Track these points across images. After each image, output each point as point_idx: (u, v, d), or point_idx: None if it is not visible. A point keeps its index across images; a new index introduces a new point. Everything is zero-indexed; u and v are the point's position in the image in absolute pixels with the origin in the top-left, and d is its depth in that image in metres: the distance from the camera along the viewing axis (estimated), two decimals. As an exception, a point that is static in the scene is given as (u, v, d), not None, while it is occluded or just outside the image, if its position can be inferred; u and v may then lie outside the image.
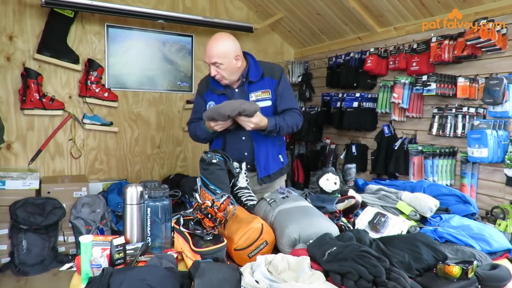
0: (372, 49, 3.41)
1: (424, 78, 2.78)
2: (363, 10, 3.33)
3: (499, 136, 2.39)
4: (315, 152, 4.23)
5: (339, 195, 1.63)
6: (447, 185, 2.73)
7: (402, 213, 1.55)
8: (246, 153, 2.03)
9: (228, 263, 1.15)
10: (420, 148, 2.89)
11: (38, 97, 3.39)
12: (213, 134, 1.99)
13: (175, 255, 1.20)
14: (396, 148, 3.13)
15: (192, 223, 1.24)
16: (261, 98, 2.01)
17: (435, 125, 2.83)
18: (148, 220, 1.30)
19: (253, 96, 2.01)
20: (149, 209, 1.30)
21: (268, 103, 2.02)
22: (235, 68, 1.95)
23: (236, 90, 2.03)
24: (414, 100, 3.03)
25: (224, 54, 1.90)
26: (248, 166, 1.91)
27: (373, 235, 1.33)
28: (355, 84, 3.62)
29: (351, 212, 1.51)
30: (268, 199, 1.43)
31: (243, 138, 2.01)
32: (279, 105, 2.04)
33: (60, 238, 3.24)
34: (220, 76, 1.95)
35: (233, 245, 1.21)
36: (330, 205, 1.44)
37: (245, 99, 1.99)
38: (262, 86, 2.02)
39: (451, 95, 2.70)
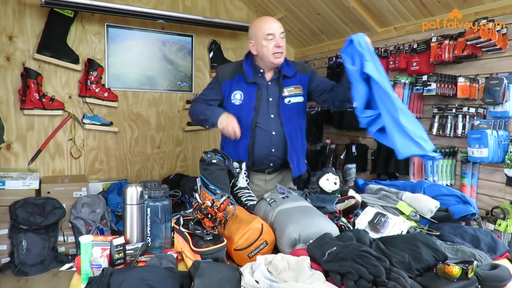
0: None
1: (424, 78, 2.77)
2: (363, 10, 3.32)
3: (499, 136, 2.39)
4: (315, 152, 4.23)
5: (339, 195, 1.63)
6: (447, 185, 2.73)
7: (402, 213, 1.55)
8: (273, 150, 2.00)
9: (228, 263, 1.15)
10: (420, 148, 2.89)
11: (38, 97, 3.39)
12: (211, 127, 1.98)
13: (175, 255, 1.21)
14: (396, 148, 3.13)
15: (192, 223, 1.24)
16: (294, 93, 2.03)
17: (435, 125, 2.83)
18: (148, 220, 1.30)
19: (285, 92, 2.01)
20: (149, 209, 1.30)
21: (300, 99, 2.05)
22: None
23: (269, 82, 2.02)
24: (414, 100, 3.03)
25: None
26: (271, 167, 1.99)
27: (373, 235, 1.33)
28: (355, 84, 3.62)
29: (351, 212, 1.51)
30: (268, 199, 1.43)
31: (273, 133, 1.99)
32: (324, 84, 2.08)
33: (60, 238, 3.24)
34: (283, 49, 1.94)
35: (233, 245, 1.21)
36: (330, 205, 1.44)
37: (278, 93, 2.00)
38: (295, 82, 2.04)
39: (451, 95, 2.69)
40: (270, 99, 2.00)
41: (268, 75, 2.02)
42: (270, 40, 1.90)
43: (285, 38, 1.97)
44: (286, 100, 2.01)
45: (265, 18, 2.00)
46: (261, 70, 2.01)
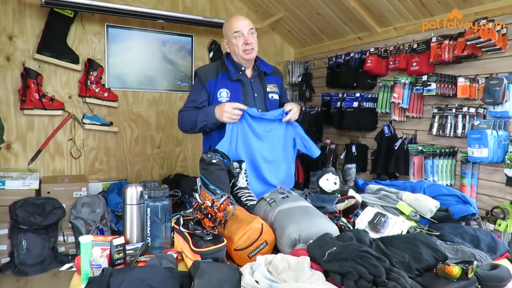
0: (372, 49, 3.40)
1: (424, 78, 2.78)
2: (363, 10, 3.33)
3: (499, 136, 2.39)
4: (315, 152, 4.22)
5: (339, 195, 1.63)
6: (447, 185, 2.73)
7: (402, 213, 1.55)
8: None
9: (228, 263, 1.15)
10: (420, 148, 2.89)
11: (38, 97, 3.39)
12: (215, 124, 1.93)
13: (175, 255, 1.20)
14: (396, 148, 3.13)
15: (192, 223, 1.24)
16: (273, 91, 2.13)
17: (435, 125, 2.83)
18: (148, 220, 1.30)
19: (267, 88, 2.10)
20: (149, 209, 1.30)
21: (277, 97, 2.14)
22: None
23: (252, 79, 2.08)
24: (414, 100, 3.03)
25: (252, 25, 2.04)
26: None
27: (373, 235, 1.33)
28: (355, 84, 3.62)
29: (351, 212, 1.51)
30: (268, 199, 1.43)
31: None
32: (282, 96, 2.19)
33: (60, 238, 3.24)
34: (253, 45, 2.00)
35: (233, 245, 1.21)
36: (330, 205, 1.43)
37: (262, 88, 2.08)
38: (273, 80, 2.16)
39: (451, 95, 2.69)
40: (256, 94, 2.07)
41: (249, 72, 2.10)
42: (238, 37, 1.99)
43: (255, 34, 2.03)
44: (270, 96, 2.10)
45: (234, 17, 2.08)
46: (242, 68, 2.07)
